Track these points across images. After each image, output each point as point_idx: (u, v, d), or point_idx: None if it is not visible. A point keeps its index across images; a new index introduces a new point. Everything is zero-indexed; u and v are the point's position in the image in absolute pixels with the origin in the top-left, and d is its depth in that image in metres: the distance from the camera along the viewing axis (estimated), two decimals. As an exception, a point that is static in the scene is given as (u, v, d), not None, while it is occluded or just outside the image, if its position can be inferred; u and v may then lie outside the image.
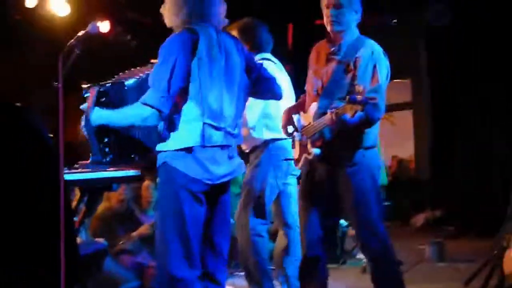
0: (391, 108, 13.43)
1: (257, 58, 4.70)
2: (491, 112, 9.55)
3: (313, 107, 3.97)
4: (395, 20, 10.92)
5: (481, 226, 8.56)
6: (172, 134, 3.33)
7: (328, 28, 3.99)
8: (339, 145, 3.92)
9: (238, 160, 3.60)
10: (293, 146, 4.23)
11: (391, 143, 12.33)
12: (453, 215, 9.46)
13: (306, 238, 4.16)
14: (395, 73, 11.87)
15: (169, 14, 3.49)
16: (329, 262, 6.63)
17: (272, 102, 4.59)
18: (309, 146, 3.98)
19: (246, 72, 3.64)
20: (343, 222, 6.98)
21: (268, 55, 4.88)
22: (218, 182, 3.42)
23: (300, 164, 4.12)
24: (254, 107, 4.60)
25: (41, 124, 1.65)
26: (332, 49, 4.05)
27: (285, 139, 4.63)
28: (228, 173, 3.48)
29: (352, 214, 4.02)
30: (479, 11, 9.36)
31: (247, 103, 3.83)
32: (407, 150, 12.32)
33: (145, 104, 3.22)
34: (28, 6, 7.41)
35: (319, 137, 3.93)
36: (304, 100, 4.21)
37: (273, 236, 5.20)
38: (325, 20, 4.00)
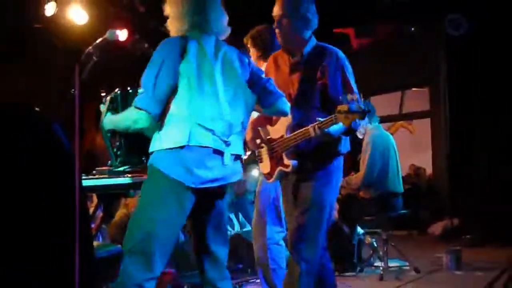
0: (409, 116, 13.51)
1: None
2: (510, 121, 9.49)
3: (285, 119, 3.88)
4: (413, 29, 10.91)
5: (499, 235, 8.51)
6: (161, 135, 3.29)
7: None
8: (317, 154, 3.89)
9: (233, 168, 3.47)
10: (260, 161, 4.14)
11: (409, 151, 12.31)
12: (471, 224, 9.39)
13: None
14: (414, 82, 11.91)
15: (173, 26, 3.52)
16: (346, 270, 6.69)
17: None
18: (285, 159, 3.89)
19: (251, 86, 3.61)
20: (359, 230, 6.97)
21: None
22: (204, 186, 3.31)
23: (273, 178, 4.03)
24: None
25: (60, 129, 1.67)
26: (294, 59, 4.02)
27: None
28: (217, 178, 3.36)
29: (301, 216, 3.91)
30: (498, 20, 9.33)
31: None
32: (425, 158, 12.26)
33: (135, 106, 3.24)
34: (47, 15, 7.48)
35: (295, 149, 3.87)
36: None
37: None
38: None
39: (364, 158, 6.53)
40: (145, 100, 3.23)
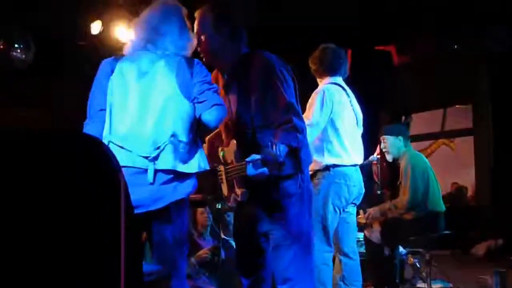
0: (451, 134, 13.38)
1: (324, 82, 4.77)
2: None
3: (234, 142, 3.51)
4: (456, 46, 10.83)
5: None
6: None
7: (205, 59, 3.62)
8: (271, 179, 3.36)
9: (162, 191, 3.19)
10: (221, 181, 3.65)
11: (451, 170, 12.18)
12: (516, 245, 9.26)
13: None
14: (456, 99, 11.79)
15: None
16: (389, 291, 6.61)
17: (334, 127, 4.62)
18: (236, 187, 3.49)
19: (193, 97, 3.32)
20: (402, 250, 6.89)
21: (336, 79, 4.85)
22: (137, 212, 2.98)
23: (230, 202, 3.62)
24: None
25: (112, 152, 1.70)
26: (225, 79, 3.63)
27: (347, 165, 4.61)
28: (138, 205, 3.02)
29: (278, 248, 3.54)
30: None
31: None
32: (467, 177, 12.12)
33: None
34: (92, 33, 7.62)
35: (245, 177, 3.34)
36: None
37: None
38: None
39: (406, 182, 6.38)
40: (85, 124, 3.36)
